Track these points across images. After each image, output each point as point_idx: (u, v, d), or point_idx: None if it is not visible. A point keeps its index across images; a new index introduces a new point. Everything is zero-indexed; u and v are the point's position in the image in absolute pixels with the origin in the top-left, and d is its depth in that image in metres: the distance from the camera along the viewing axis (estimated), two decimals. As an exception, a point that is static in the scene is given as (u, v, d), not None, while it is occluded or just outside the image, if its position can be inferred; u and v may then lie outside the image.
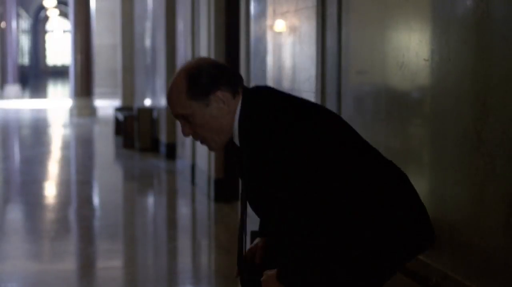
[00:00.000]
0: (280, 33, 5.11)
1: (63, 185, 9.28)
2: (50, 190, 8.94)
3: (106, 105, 20.35)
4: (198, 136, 2.50)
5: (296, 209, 2.33)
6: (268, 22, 5.41)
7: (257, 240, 2.77)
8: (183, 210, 7.79)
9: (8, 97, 26.20)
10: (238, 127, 2.46)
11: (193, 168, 8.66)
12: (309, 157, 2.27)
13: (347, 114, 4.01)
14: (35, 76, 42.01)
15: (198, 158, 8.39)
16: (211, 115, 2.45)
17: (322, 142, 2.29)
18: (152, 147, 11.68)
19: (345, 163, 2.27)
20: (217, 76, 2.46)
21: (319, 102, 4.34)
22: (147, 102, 12.76)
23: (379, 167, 2.29)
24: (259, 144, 2.37)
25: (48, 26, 48.57)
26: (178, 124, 9.94)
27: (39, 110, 20.87)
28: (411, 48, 3.21)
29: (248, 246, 2.77)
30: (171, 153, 10.52)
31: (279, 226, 2.42)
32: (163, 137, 11.07)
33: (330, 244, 2.27)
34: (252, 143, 2.40)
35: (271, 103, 2.41)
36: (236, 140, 2.50)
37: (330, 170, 2.26)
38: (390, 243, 2.23)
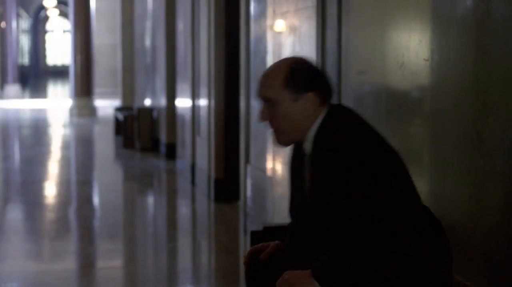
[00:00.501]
0: (280, 33, 5.11)
1: (63, 185, 9.28)
2: (50, 190, 8.94)
3: (106, 105, 20.33)
4: (273, 125, 2.55)
5: (348, 221, 2.40)
6: (268, 22, 5.40)
7: (276, 242, 2.80)
8: (183, 210, 7.79)
9: (8, 97, 26.19)
10: (316, 136, 2.51)
11: (193, 168, 8.66)
12: (374, 180, 2.37)
13: (347, 114, 4.01)
14: (35, 76, 42.00)
15: (198, 158, 8.39)
16: (294, 111, 2.51)
17: (387, 171, 2.40)
18: (152, 147, 11.67)
19: (400, 195, 2.40)
20: (316, 79, 2.53)
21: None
22: (147, 102, 12.76)
23: (420, 208, 2.45)
24: (334, 157, 2.42)
25: (48, 26, 48.56)
26: (178, 124, 9.98)
27: (39, 110, 20.86)
28: (411, 48, 3.21)
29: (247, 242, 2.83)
30: (171, 153, 10.51)
31: (327, 230, 2.48)
32: (163, 137, 11.07)
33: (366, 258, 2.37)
34: (327, 154, 2.45)
35: (353, 124, 2.49)
36: (307, 147, 2.55)
37: (385, 196, 2.37)
38: (409, 275, 2.36)
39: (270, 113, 2.53)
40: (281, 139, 2.58)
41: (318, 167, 2.48)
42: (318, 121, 2.52)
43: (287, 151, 4.89)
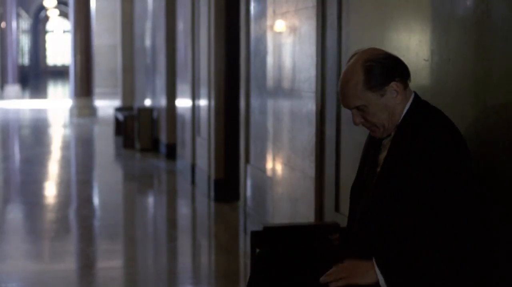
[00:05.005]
0: (280, 33, 5.11)
1: (63, 185, 9.28)
2: (50, 190, 8.94)
3: (106, 105, 20.34)
4: (369, 123, 2.57)
5: (422, 216, 2.39)
6: (268, 22, 5.40)
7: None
8: (183, 210, 7.79)
9: (8, 97, 26.20)
10: (403, 119, 2.52)
11: (193, 168, 8.66)
12: (452, 176, 2.38)
13: (347, 114, 4.01)
14: (35, 76, 42.00)
15: (198, 158, 8.39)
16: (385, 105, 2.52)
17: (465, 172, 2.43)
18: (152, 147, 11.68)
19: (477, 197, 2.42)
20: (392, 67, 2.52)
21: (319, 102, 4.35)
22: (147, 102, 12.76)
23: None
24: (418, 143, 2.42)
25: (48, 26, 48.56)
26: (178, 124, 9.98)
27: (39, 110, 20.86)
28: (411, 48, 3.21)
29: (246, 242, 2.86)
30: (171, 153, 10.52)
31: (388, 219, 2.46)
32: (163, 137, 11.07)
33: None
34: (413, 139, 2.45)
35: (442, 118, 2.51)
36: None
37: (466, 197, 2.39)
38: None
39: (363, 116, 2.55)
40: (379, 132, 2.58)
41: (398, 150, 2.49)
42: (407, 106, 2.54)
43: (286, 150, 4.89)
